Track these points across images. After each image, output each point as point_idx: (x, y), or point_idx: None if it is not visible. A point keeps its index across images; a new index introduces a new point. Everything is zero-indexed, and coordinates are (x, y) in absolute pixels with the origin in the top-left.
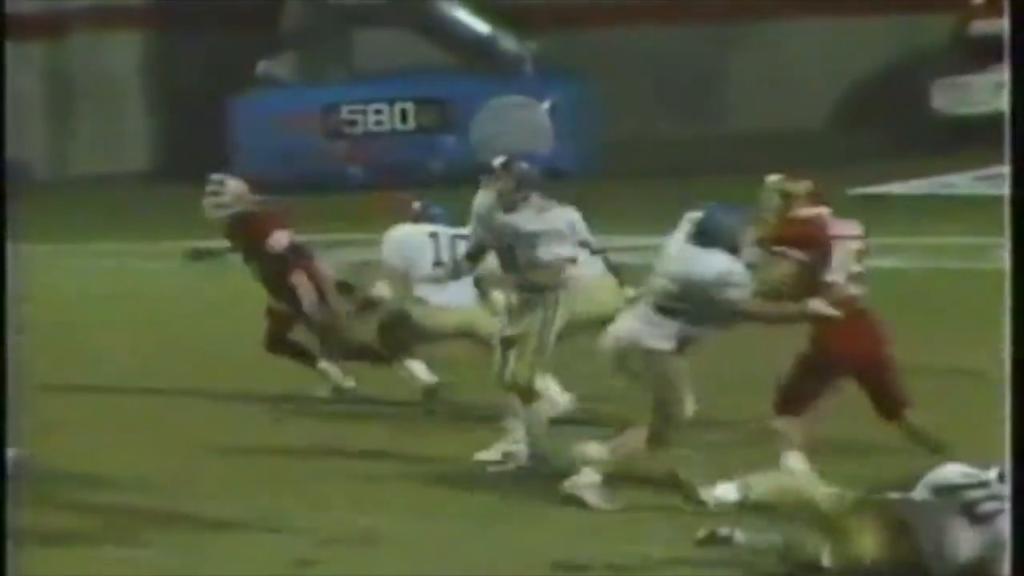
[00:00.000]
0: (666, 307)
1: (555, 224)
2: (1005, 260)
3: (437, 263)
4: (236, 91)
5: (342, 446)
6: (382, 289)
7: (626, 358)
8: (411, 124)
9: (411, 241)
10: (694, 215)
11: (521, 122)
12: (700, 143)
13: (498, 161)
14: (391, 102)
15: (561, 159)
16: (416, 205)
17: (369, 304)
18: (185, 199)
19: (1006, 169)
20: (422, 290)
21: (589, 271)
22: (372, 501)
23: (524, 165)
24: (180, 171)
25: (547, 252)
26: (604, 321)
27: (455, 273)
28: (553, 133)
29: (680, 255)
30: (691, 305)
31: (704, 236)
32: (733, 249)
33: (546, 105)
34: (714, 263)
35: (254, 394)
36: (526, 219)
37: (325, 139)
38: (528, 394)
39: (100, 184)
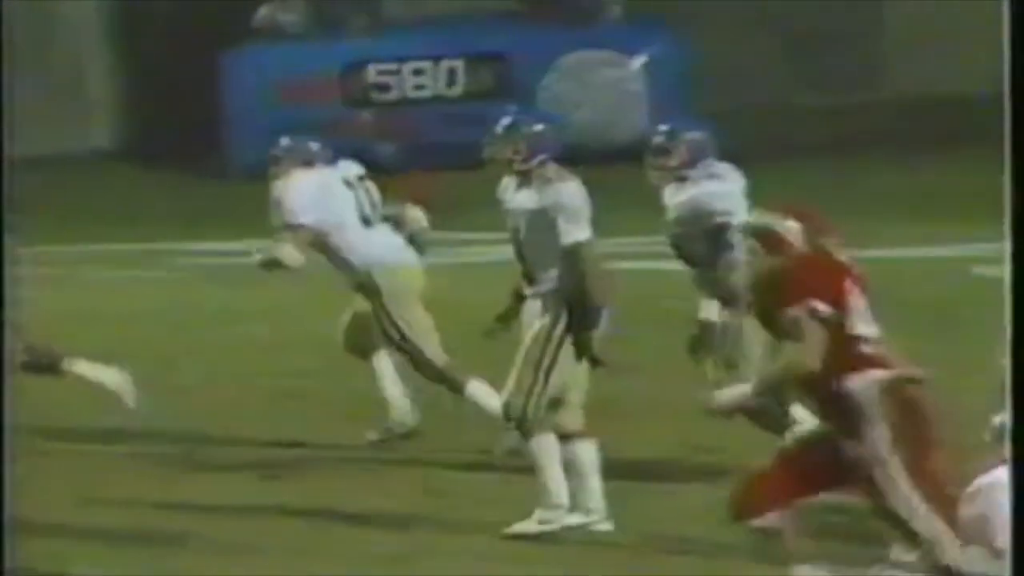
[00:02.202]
0: None
1: (557, 200)
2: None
3: (364, 219)
4: (228, 46)
5: (354, 508)
6: (291, 256)
7: None
8: (459, 88)
9: (330, 193)
10: None
11: (605, 85)
12: (841, 113)
13: (502, 123)
14: (435, 60)
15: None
16: (284, 142)
17: (275, 264)
18: (161, 187)
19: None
20: (353, 252)
21: None
22: None
23: (539, 126)
24: (155, 151)
25: (539, 237)
26: None
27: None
28: (647, 99)
29: None
30: None
31: None
32: None
33: (638, 63)
34: None
35: (243, 439)
36: (529, 196)
37: (346, 108)
38: (528, 431)
39: (52, 167)
